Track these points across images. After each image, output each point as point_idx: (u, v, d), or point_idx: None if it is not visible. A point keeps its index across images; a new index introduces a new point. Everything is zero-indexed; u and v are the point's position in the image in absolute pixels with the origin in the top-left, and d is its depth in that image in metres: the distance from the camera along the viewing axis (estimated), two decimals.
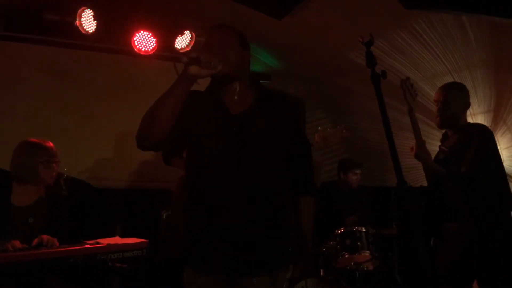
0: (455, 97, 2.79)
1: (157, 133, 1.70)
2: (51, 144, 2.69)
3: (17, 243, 2.23)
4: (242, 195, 1.75)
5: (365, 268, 3.54)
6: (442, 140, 2.94)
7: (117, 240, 2.59)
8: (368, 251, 3.57)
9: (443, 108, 2.79)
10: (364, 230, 3.63)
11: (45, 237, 2.32)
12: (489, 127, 3.03)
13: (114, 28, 3.81)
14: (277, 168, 1.84)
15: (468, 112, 3.76)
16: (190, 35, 4.06)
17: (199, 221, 1.79)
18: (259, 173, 1.78)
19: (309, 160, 2.00)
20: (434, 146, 4.19)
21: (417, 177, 4.52)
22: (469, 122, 2.90)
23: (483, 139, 2.62)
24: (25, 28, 3.79)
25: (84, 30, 3.70)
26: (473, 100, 3.73)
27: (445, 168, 2.64)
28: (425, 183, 4.48)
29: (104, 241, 2.47)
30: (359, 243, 3.56)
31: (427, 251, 2.82)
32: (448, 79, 3.69)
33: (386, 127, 1.32)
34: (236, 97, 1.86)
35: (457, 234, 2.60)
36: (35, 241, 2.30)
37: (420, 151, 2.65)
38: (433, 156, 2.86)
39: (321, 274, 3.58)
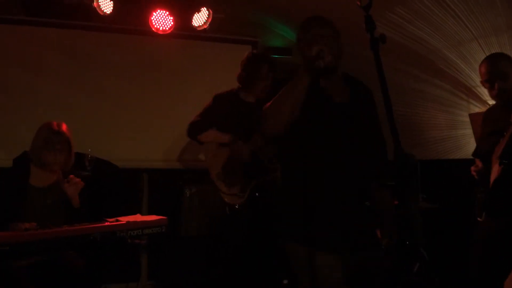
0: (509, 68, 2.49)
1: (281, 126, 1.84)
2: (63, 128, 2.65)
3: (31, 225, 2.23)
4: (349, 177, 1.90)
5: None
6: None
7: (137, 217, 2.61)
8: None
9: (499, 81, 2.48)
10: None
11: (72, 177, 2.53)
12: None
13: (131, 8, 3.82)
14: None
15: None
16: (207, 11, 4.02)
17: (316, 202, 1.86)
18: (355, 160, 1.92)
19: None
20: (462, 117, 4.05)
21: (446, 149, 4.39)
22: None
23: None
24: (46, 13, 3.85)
25: (102, 11, 3.72)
26: None
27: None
28: (454, 156, 4.35)
29: (124, 219, 2.50)
30: None
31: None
32: (475, 45, 3.53)
33: (385, 94, 1.27)
34: (336, 87, 1.98)
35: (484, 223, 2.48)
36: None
37: None
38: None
39: None
